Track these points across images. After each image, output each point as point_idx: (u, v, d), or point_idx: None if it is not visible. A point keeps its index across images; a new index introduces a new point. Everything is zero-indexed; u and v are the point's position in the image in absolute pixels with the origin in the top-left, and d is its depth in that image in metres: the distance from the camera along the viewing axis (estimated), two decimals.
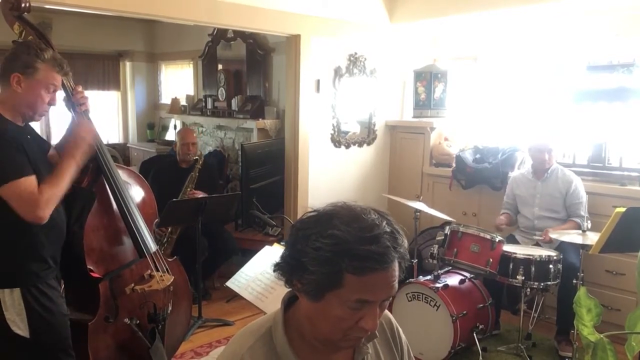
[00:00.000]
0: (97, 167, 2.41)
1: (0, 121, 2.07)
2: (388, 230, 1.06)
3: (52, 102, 2.17)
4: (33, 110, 2.12)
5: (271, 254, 2.67)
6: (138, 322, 2.51)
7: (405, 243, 1.09)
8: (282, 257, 1.14)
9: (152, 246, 2.58)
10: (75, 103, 2.37)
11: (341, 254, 1.03)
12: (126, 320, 2.47)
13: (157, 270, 2.59)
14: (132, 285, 2.45)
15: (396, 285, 1.08)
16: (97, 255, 2.39)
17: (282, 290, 2.39)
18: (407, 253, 1.10)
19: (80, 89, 2.41)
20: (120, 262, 2.48)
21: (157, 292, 2.52)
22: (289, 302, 1.19)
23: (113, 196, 2.45)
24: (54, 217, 2.08)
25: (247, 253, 3.51)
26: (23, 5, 2.26)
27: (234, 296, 3.48)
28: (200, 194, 4.04)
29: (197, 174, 4.19)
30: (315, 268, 1.05)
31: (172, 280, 2.57)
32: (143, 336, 2.50)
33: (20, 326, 2.02)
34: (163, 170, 4.51)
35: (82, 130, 2.26)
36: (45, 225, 2.04)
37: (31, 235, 2.05)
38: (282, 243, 3.03)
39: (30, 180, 2.01)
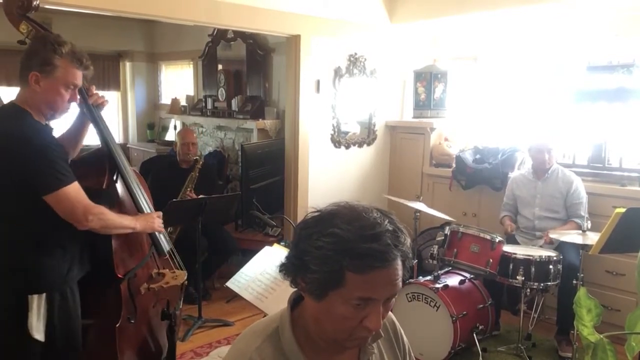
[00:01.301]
0: (113, 167, 2.35)
1: (39, 124, 2.02)
2: (390, 228, 1.07)
3: (72, 100, 2.10)
4: (54, 110, 2.06)
5: (271, 254, 2.67)
6: (170, 313, 2.53)
7: (409, 242, 1.09)
8: (287, 257, 1.15)
9: (167, 244, 2.56)
10: (93, 105, 2.28)
11: (342, 252, 1.03)
12: (173, 310, 2.49)
13: (171, 267, 2.58)
14: (147, 284, 2.42)
15: (399, 283, 1.08)
16: (119, 256, 2.35)
17: (282, 291, 2.41)
18: (411, 252, 1.10)
19: (94, 89, 2.33)
20: (135, 261, 2.44)
21: (172, 288, 2.50)
22: (294, 302, 1.19)
23: (131, 195, 2.39)
24: None
25: (247, 253, 3.50)
26: (34, 3, 2.17)
27: (234, 296, 3.48)
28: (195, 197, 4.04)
29: (197, 174, 4.19)
30: (317, 267, 1.06)
31: (186, 275, 2.56)
32: (169, 333, 2.50)
33: (39, 330, 2.00)
34: (163, 170, 4.52)
35: (151, 222, 2.34)
36: (74, 230, 2.04)
37: (62, 241, 2.04)
38: (282, 243, 3.03)
39: (77, 186, 2.01)
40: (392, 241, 1.05)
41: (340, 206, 1.12)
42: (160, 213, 2.44)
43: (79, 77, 2.08)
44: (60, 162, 1.98)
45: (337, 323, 1.08)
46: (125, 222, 2.21)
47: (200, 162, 4.24)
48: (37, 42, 2.06)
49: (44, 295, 2.00)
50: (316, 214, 1.13)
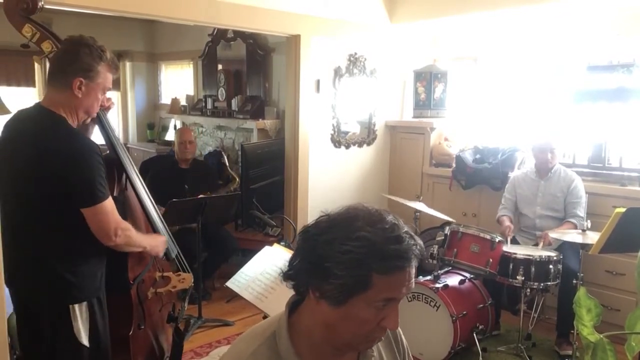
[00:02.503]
0: (121, 173, 2.29)
1: (81, 133, 1.97)
2: (405, 229, 1.09)
3: (103, 105, 2.08)
4: (88, 114, 2.02)
5: (271, 254, 2.66)
6: (177, 316, 2.52)
7: (420, 241, 1.11)
8: (295, 265, 1.13)
9: (174, 248, 2.54)
10: (101, 107, 2.21)
11: (371, 255, 1.04)
12: (179, 313, 2.49)
13: (170, 268, 2.57)
14: (153, 289, 2.39)
15: (414, 281, 1.11)
16: (132, 262, 2.33)
17: (282, 291, 2.40)
18: (424, 250, 1.12)
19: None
20: (142, 266, 2.41)
21: (176, 292, 2.49)
22: (292, 306, 1.18)
23: (139, 200, 2.35)
24: None
25: (247, 253, 3.50)
26: (39, 5, 2.08)
27: (234, 296, 3.48)
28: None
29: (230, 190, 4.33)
30: (343, 272, 1.05)
31: (192, 278, 2.54)
32: (177, 335, 2.50)
33: (84, 336, 1.99)
34: (163, 170, 4.52)
35: (158, 246, 2.29)
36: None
37: (98, 249, 2.02)
38: (282, 243, 3.03)
39: (112, 201, 1.97)
40: (412, 241, 1.08)
41: (354, 209, 1.12)
42: (166, 239, 2.40)
43: (111, 81, 2.06)
44: (103, 174, 1.93)
45: (356, 327, 1.08)
46: (143, 242, 2.18)
47: (237, 182, 4.34)
48: (76, 46, 1.97)
49: (84, 303, 1.98)
50: (326, 218, 1.11)
